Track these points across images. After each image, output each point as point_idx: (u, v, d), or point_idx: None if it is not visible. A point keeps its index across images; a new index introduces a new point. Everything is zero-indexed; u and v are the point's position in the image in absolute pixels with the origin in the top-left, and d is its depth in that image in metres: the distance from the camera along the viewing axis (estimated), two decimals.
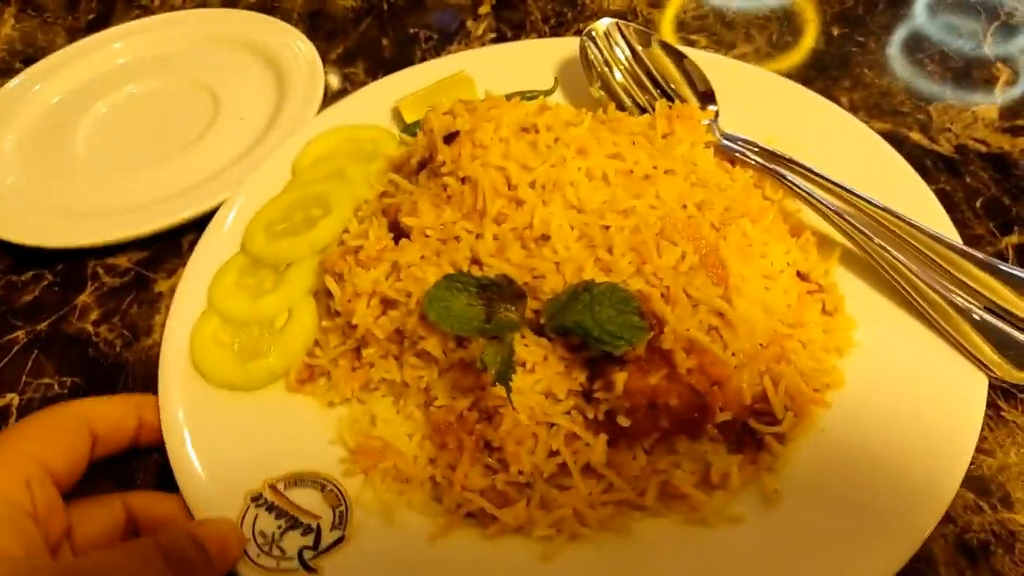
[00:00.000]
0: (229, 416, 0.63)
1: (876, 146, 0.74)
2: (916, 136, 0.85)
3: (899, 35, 0.99)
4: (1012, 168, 0.80)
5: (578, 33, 0.87)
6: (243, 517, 0.56)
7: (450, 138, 0.65)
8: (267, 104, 0.98)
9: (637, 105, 0.83)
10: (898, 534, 0.51)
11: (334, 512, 0.57)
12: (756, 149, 0.74)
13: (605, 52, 0.85)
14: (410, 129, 0.83)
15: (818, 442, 0.57)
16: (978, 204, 0.77)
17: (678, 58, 0.83)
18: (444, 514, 0.56)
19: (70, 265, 0.84)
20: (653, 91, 0.83)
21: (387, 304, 0.62)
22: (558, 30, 1.07)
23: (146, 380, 0.72)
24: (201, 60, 1.07)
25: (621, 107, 0.82)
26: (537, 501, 0.56)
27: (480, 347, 0.56)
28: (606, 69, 0.84)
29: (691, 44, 1.01)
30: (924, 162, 0.81)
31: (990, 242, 0.74)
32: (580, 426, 0.57)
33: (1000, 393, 0.63)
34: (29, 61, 1.09)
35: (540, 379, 0.57)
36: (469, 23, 1.10)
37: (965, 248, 0.63)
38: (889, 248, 0.64)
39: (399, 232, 0.66)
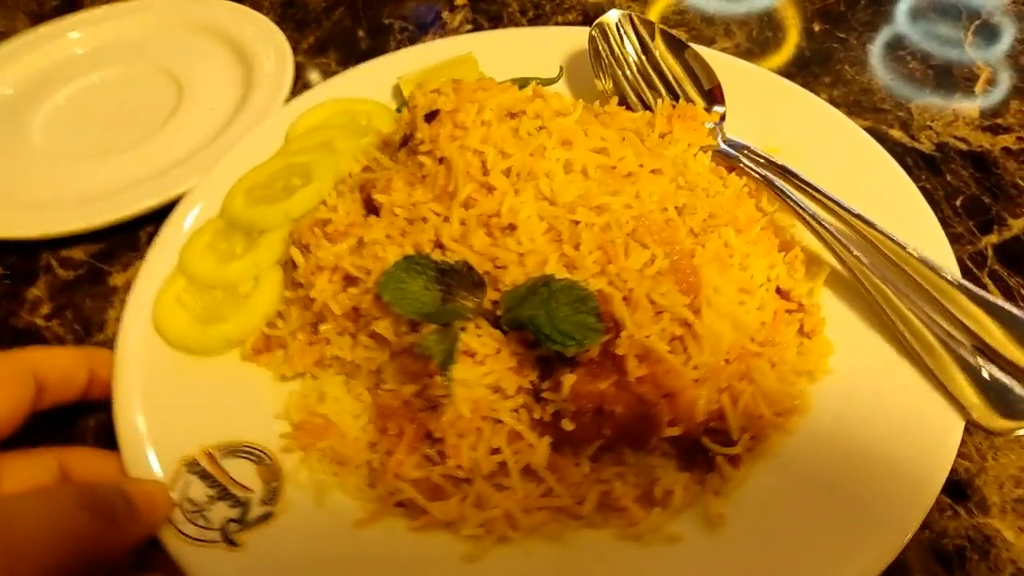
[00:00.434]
0: (181, 379, 0.62)
1: (885, 165, 0.70)
2: (897, 134, 0.85)
3: (881, 33, 0.99)
4: (992, 167, 0.80)
5: (558, 24, 0.85)
6: (176, 481, 0.55)
7: (431, 116, 0.63)
8: (233, 93, 0.96)
9: (643, 102, 0.80)
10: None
11: (266, 487, 0.56)
12: (755, 158, 0.71)
13: (615, 45, 0.82)
14: (405, 106, 0.81)
15: (773, 469, 0.54)
16: (958, 203, 0.77)
17: (690, 56, 0.79)
18: (376, 501, 0.55)
19: (22, 257, 0.81)
20: (661, 88, 0.80)
21: (348, 281, 0.61)
22: (536, 22, 1.05)
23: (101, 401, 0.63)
24: (167, 48, 1.04)
25: (625, 103, 0.79)
26: (473, 499, 0.54)
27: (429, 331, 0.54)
28: (613, 63, 0.82)
29: None
30: (905, 160, 0.80)
31: (970, 241, 0.74)
32: (525, 425, 0.54)
33: None
34: None
35: (489, 372, 0.55)
36: (445, 14, 1.08)
37: (962, 282, 0.59)
38: (881, 273, 0.61)
39: (373, 208, 0.65)
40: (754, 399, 0.54)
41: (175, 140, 0.91)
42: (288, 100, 0.91)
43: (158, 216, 0.78)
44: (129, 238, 0.82)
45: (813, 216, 0.64)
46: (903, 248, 0.61)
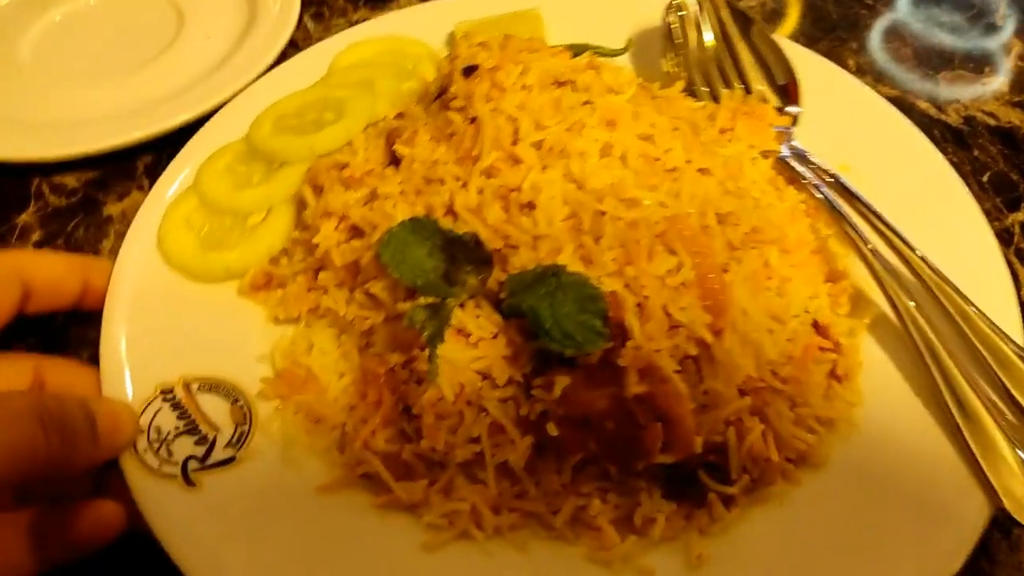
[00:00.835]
0: (173, 303, 0.60)
1: (966, 209, 0.62)
2: (924, 105, 0.83)
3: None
4: (1021, 144, 0.78)
5: None
6: (146, 407, 0.54)
7: (469, 71, 0.58)
8: (235, 24, 0.92)
9: (711, 91, 0.73)
10: None
11: (235, 430, 0.53)
12: (820, 173, 0.64)
13: (690, 25, 0.75)
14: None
15: (770, 519, 0.49)
16: (985, 178, 0.76)
17: (770, 47, 0.72)
18: (342, 467, 0.52)
19: (12, 180, 0.77)
20: (733, 79, 0.73)
21: (354, 231, 0.57)
22: None
23: (93, 312, 0.59)
24: None
25: (691, 89, 0.72)
26: (442, 485, 0.51)
27: (422, 302, 0.50)
28: (685, 43, 0.75)
29: None
30: (932, 131, 0.78)
31: (996, 218, 0.72)
32: (510, 420, 0.50)
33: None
34: None
35: (482, 357, 0.51)
36: None
37: None
38: (935, 326, 0.54)
39: (395, 160, 0.61)
40: (763, 440, 0.49)
41: (174, 69, 0.88)
42: (292, 36, 0.88)
43: (155, 146, 0.75)
44: (125, 167, 0.79)
45: (873, 251, 0.58)
46: (968, 304, 0.54)
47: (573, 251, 0.50)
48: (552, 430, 0.48)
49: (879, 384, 0.55)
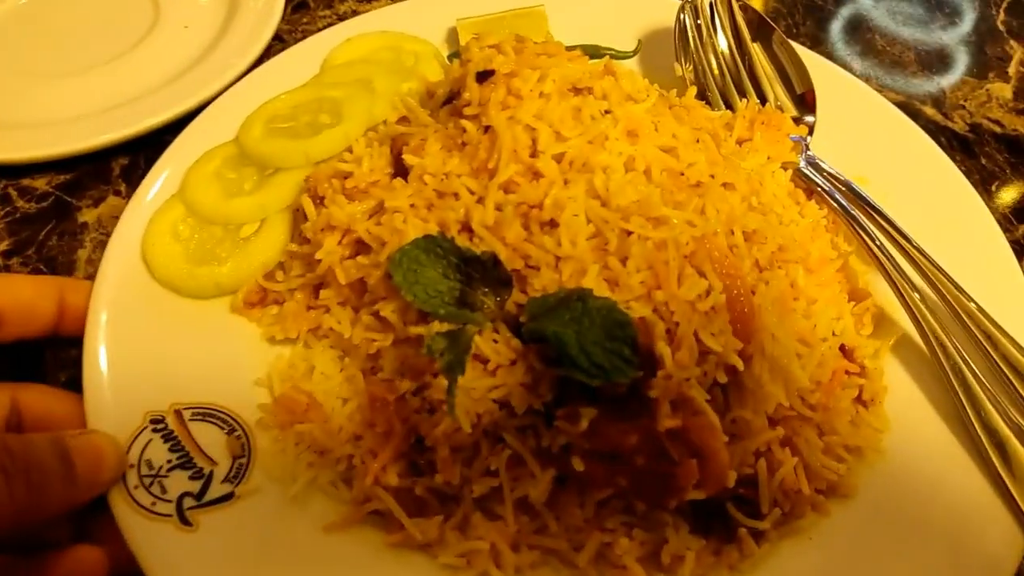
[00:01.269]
0: (161, 321, 0.56)
1: (985, 227, 0.61)
2: (929, 111, 0.82)
3: (911, 5, 0.96)
4: None
5: None
6: (135, 438, 0.50)
7: (484, 76, 0.55)
8: (216, 12, 0.87)
9: (724, 99, 0.70)
10: None
11: (233, 463, 0.50)
12: (838, 185, 0.62)
13: (705, 29, 0.72)
14: (458, 54, 0.73)
15: (801, 554, 0.48)
16: (994, 187, 0.75)
17: (786, 53, 0.70)
18: (349, 503, 0.49)
19: None
20: (748, 87, 0.70)
21: (360, 247, 0.54)
22: None
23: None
24: None
25: (704, 96, 0.70)
26: (457, 521, 0.48)
27: (439, 328, 0.47)
28: (700, 48, 0.72)
29: None
30: (939, 138, 0.76)
31: (1007, 229, 0.70)
32: (530, 452, 0.48)
33: None
34: None
35: (500, 385, 0.47)
36: None
37: None
38: (960, 350, 0.53)
39: (401, 169, 0.57)
40: (795, 473, 0.47)
41: (150, 62, 0.82)
42: (276, 30, 0.83)
43: (132, 146, 0.70)
44: (100, 169, 0.73)
45: (897, 268, 0.56)
46: (996, 327, 0.53)
47: (598, 273, 0.48)
48: (578, 465, 0.46)
49: (905, 408, 0.53)
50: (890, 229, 0.58)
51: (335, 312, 0.55)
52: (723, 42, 0.71)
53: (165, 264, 0.58)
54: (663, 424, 0.44)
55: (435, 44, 0.76)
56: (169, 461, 0.49)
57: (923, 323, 0.54)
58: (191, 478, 0.49)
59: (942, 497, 0.49)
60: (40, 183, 0.73)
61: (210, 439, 0.50)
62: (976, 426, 0.51)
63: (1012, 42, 0.91)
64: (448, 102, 0.59)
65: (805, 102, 0.67)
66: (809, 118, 0.67)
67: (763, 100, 0.69)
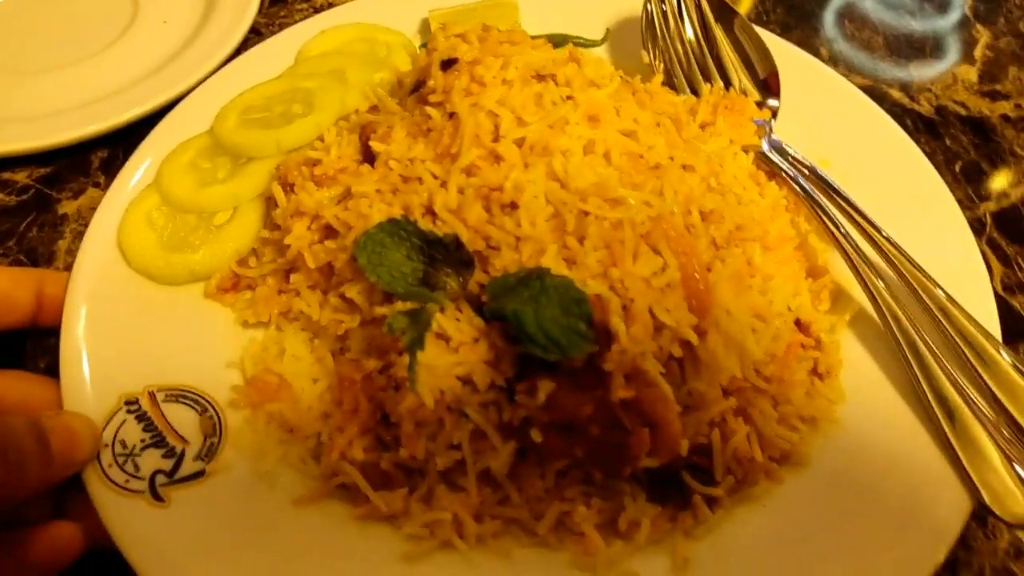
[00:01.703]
0: (136, 307, 0.57)
1: (946, 209, 0.62)
2: (896, 94, 0.84)
3: None
4: (991, 134, 0.80)
5: None
6: (110, 419, 0.51)
7: (448, 64, 0.56)
8: (194, 8, 0.89)
9: (690, 85, 0.72)
10: None
11: (205, 441, 0.51)
12: (800, 168, 0.63)
13: (671, 17, 0.74)
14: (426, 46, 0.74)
15: (755, 518, 0.49)
16: (957, 168, 0.77)
17: (752, 40, 0.71)
18: (318, 478, 0.50)
19: None
20: (714, 73, 0.72)
21: (328, 232, 0.55)
22: None
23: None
24: None
25: (671, 82, 0.71)
26: (421, 494, 0.50)
27: (402, 308, 0.48)
28: (666, 35, 0.73)
29: None
30: (904, 121, 0.80)
31: (968, 207, 0.73)
32: (492, 426, 0.49)
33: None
34: None
35: (462, 362, 0.49)
36: None
37: (1012, 355, 0.52)
38: (916, 323, 0.54)
39: (369, 156, 0.58)
40: (748, 441, 0.49)
41: (129, 57, 0.84)
42: (253, 24, 0.85)
43: (111, 139, 0.71)
44: (79, 162, 0.75)
45: (854, 247, 0.57)
46: (951, 301, 0.54)
47: (556, 252, 0.49)
48: (536, 436, 0.47)
49: (860, 381, 0.55)
50: (848, 208, 0.60)
51: (305, 295, 0.56)
52: (689, 30, 0.72)
53: (140, 252, 0.59)
54: (616, 395, 0.45)
55: (409, 35, 0.78)
56: (143, 440, 0.50)
57: (878, 298, 0.56)
58: (164, 456, 0.50)
59: (894, 464, 0.51)
60: (20, 176, 0.74)
61: (183, 419, 0.52)
62: (929, 396, 0.52)
63: (978, 26, 0.92)
64: (415, 90, 0.61)
65: (769, 87, 0.69)
66: (773, 102, 0.69)
67: (728, 85, 0.70)
